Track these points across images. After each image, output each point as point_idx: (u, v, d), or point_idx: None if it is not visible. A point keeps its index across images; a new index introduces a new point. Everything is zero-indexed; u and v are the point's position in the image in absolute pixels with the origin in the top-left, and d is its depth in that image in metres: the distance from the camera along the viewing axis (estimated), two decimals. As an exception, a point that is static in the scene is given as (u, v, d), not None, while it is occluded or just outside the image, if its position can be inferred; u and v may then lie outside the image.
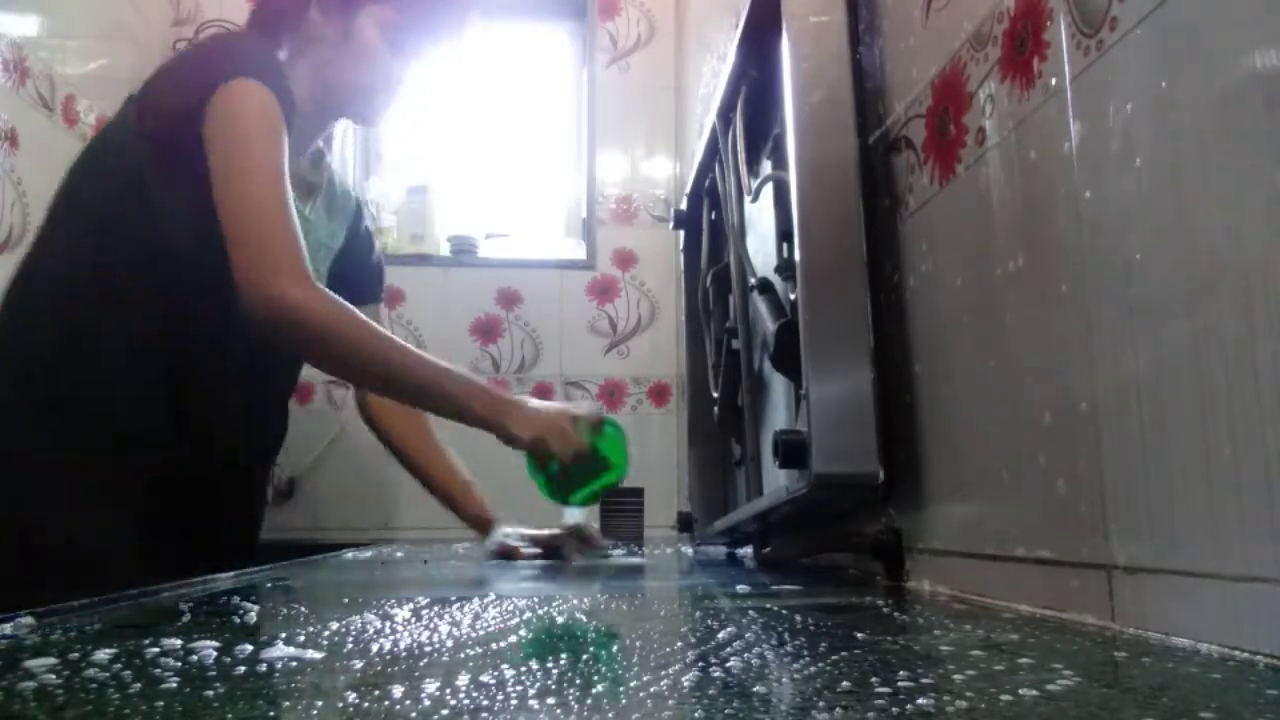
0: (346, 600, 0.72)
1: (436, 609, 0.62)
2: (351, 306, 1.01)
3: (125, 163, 1.04)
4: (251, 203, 0.97)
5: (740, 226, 1.28)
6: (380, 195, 2.51)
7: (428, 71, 1.23)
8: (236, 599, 0.68)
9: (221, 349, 1.07)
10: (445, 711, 0.32)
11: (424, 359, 1.04)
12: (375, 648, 0.46)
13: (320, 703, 0.34)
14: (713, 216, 1.58)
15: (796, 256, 0.84)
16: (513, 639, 0.50)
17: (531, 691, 0.35)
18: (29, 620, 0.53)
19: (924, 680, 0.37)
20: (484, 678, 0.38)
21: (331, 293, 1.00)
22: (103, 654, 0.42)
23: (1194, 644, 0.46)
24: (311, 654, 0.43)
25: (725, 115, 1.29)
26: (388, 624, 0.54)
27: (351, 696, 0.35)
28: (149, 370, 1.03)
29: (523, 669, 0.40)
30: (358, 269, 1.33)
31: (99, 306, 1.02)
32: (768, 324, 1.01)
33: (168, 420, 1.04)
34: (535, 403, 1.11)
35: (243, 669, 0.40)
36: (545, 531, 1.27)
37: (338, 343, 0.99)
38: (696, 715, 0.33)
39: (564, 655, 0.43)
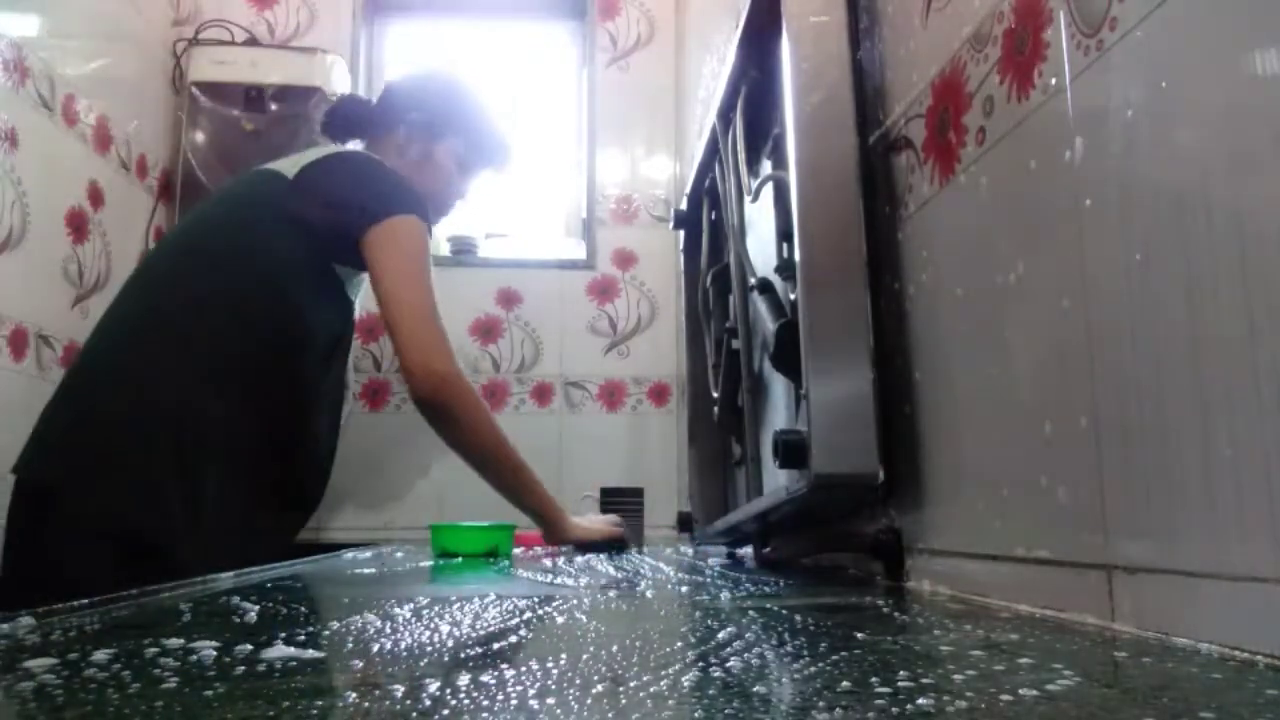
0: (346, 600, 0.72)
1: (436, 609, 0.62)
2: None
3: (279, 244, 1.32)
4: (423, 308, 1.32)
5: (740, 226, 1.28)
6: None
7: (479, 185, 1.67)
8: (236, 599, 0.68)
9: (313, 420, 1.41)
10: (445, 711, 0.32)
11: (520, 459, 1.40)
12: (375, 648, 0.46)
13: (320, 703, 0.34)
14: (713, 216, 1.58)
15: (796, 256, 0.84)
16: (513, 639, 0.50)
17: (531, 691, 0.35)
18: (29, 620, 0.53)
19: (924, 680, 0.37)
20: (484, 678, 0.38)
21: (472, 385, 1.36)
22: (103, 654, 0.42)
23: (1194, 644, 0.46)
24: (311, 654, 0.43)
25: (725, 115, 1.29)
26: (388, 624, 0.54)
27: (351, 696, 0.35)
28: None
29: (523, 669, 0.40)
30: None
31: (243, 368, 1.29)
32: (768, 324, 1.01)
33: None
34: (579, 520, 1.48)
35: (243, 669, 0.40)
36: (602, 522, 1.53)
37: (474, 420, 1.34)
38: (696, 715, 0.33)
39: (564, 655, 0.43)
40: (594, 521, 1.50)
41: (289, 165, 1.38)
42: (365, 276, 1.40)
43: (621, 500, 1.88)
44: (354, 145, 1.53)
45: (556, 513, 1.43)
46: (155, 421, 1.20)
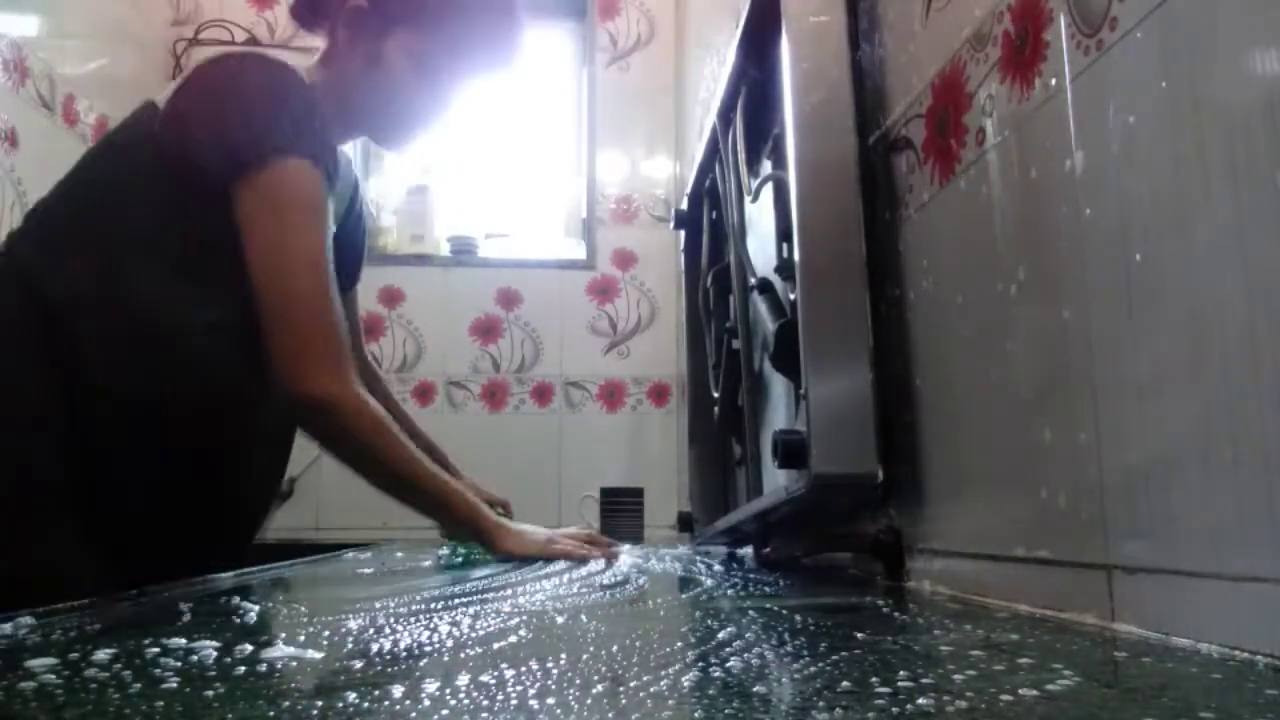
0: (346, 600, 0.72)
1: (436, 609, 0.62)
2: (381, 410, 1.03)
3: (143, 188, 0.99)
4: (296, 296, 0.97)
5: (740, 226, 1.28)
6: (380, 195, 2.51)
7: (471, 102, 1.18)
8: (236, 599, 0.68)
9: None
10: (445, 711, 0.32)
11: (433, 473, 1.08)
12: (375, 648, 0.46)
13: (320, 703, 0.34)
14: (713, 216, 1.58)
15: (796, 257, 0.84)
16: (513, 639, 0.50)
17: (531, 691, 0.35)
18: (29, 620, 0.53)
19: (924, 680, 0.37)
20: (484, 678, 0.38)
21: (366, 394, 1.02)
22: (103, 654, 0.42)
23: (1194, 644, 0.46)
24: (311, 654, 0.43)
25: (725, 115, 1.29)
26: (388, 624, 0.54)
27: (351, 696, 0.35)
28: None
29: (523, 669, 0.40)
30: (346, 250, 1.22)
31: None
32: (768, 324, 1.01)
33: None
34: (524, 529, 1.15)
35: (243, 669, 0.40)
36: (571, 530, 1.26)
37: (363, 446, 1.02)
38: (696, 715, 0.33)
39: (564, 655, 0.43)
40: (536, 534, 1.15)
41: (171, 86, 1.04)
42: None
43: (621, 500, 1.88)
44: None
45: (491, 523, 1.12)
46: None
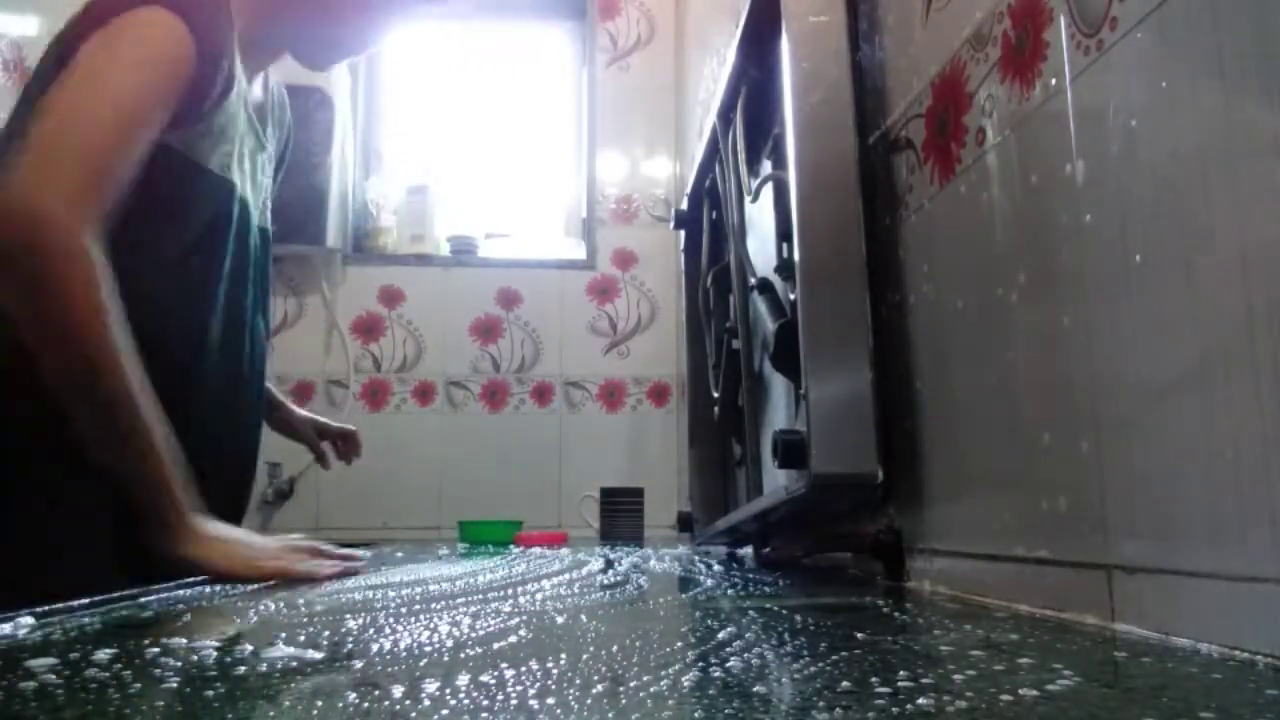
0: (347, 600, 0.72)
1: (436, 609, 0.62)
2: (110, 278, 0.79)
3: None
4: (82, 124, 0.80)
5: (740, 226, 1.28)
6: (380, 195, 2.51)
7: (404, 32, 1.11)
8: (236, 599, 0.68)
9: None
10: (445, 711, 0.32)
11: (143, 393, 0.79)
12: (375, 648, 0.46)
13: (320, 703, 0.34)
14: (713, 216, 1.58)
15: (796, 256, 0.84)
16: (513, 639, 0.50)
17: (531, 691, 0.35)
18: (29, 620, 0.53)
19: (924, 680, 0.37)
20: (484, 678, 0.38)
21: (100, 251, 0.79)
22: (103, 654, 0.42)
23: (1194, 644, 0.46)
24: (311, 654, 0.43)
25: (725, 115, 1.29)
26: (388, 624, 0.54)
27: (351, 696, 0.35)
28: None
29: (523, 669, 0.40)
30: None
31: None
32: (768, 324, 1.01)
33: None
34: (217, 529, 0.85)
35: (243, 669, 0.40)
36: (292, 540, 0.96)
37: (57, 305, 0.76)
38: (696, 715, 0.33)
39: (564, 655, 0.43)
40: (245, 545, 0.85)
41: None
42: (229, 152, 0.96)
43: (621, 500, 1.88)
44: None
45: (183, 515, 0.80)
46: None
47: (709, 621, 0.58)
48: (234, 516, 1.00)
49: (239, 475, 1.08)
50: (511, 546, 1.65)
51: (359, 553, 1.05)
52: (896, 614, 0.63)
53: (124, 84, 0.83)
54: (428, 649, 0.46)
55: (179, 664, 0.40)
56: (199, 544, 0.80)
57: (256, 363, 1.07)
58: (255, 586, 0.78)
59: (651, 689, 0.36)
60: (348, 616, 0.58)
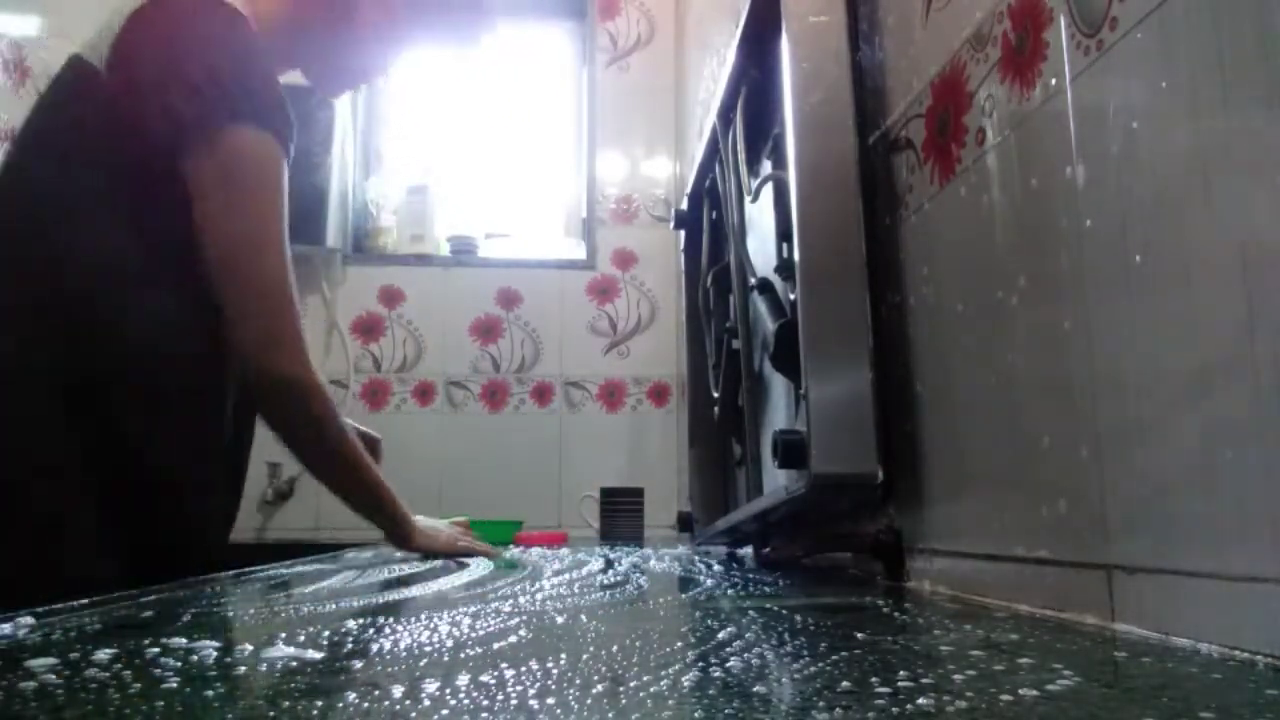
0: (347, 600, 0.72)
1: (436, 609, 0.62)
2: (332, 397, 1.03)
3: (92, 149, 0.91)
4: (263, 279, 0.94)
5: (740, 226, 1.28)
6: (380, 195, 2.51)
7: (408, 67, 1.17)
8: (236, 599, 0.68)
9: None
10: (445, 711, 0.32)
11: (371, 465, 1.10)
12: (375, 648, 0.46)
13: (320, 702, 0.34)
14: (713, 216, 1.58)
15: (796, 256, 0.84)
16: (513, 639, 0.50)
17: (531, 691, 0.35)
18: (29, 620, 0.53)
19: (924, 680, 0.37)
20: (484, 678, 0.38)
21: (323, 379, 1.01)
22: (103, 654, 0.42)
23: (1194, 644, 0.46)
24: (311, 654, 0.43)
25: (725, 115, 1.29)
26: (388, 624, 0.54)
27: (351, 696, 0.35)
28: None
29: (523, 669, 0.40)
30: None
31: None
32: (768, 324, 1.01)
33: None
34: (429, 527, 1.24)
35: (243, 669, 0.40)
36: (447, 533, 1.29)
37: (318, 430, 1.01)
38: (696, 715, 0.33)
39: (564, 655, 0.43)
40: (439, 529, 1.26)
41: (103, 37, 0.95)
42: None
43: (621, 500, 1.88)
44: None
45: (408, 525, 1.17)
46: None
47: (709, 621, 0.58)
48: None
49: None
50: (511, 546, 1.65)
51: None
52: (896, 614, 0.63)
53: (276, 231, 0.95)
54: (428, 649, 0.46)
55: (179, 664, 0.40)
56: (422, 538, 1.18)
57: None
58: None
59: (651, 689, 0.36)
60: (348, 617, 0.58)
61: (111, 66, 0.92)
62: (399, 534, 1.16)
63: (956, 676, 0.38)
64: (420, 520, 1.20)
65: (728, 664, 0.41)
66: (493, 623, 0.56)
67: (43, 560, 0.86)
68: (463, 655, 0.44)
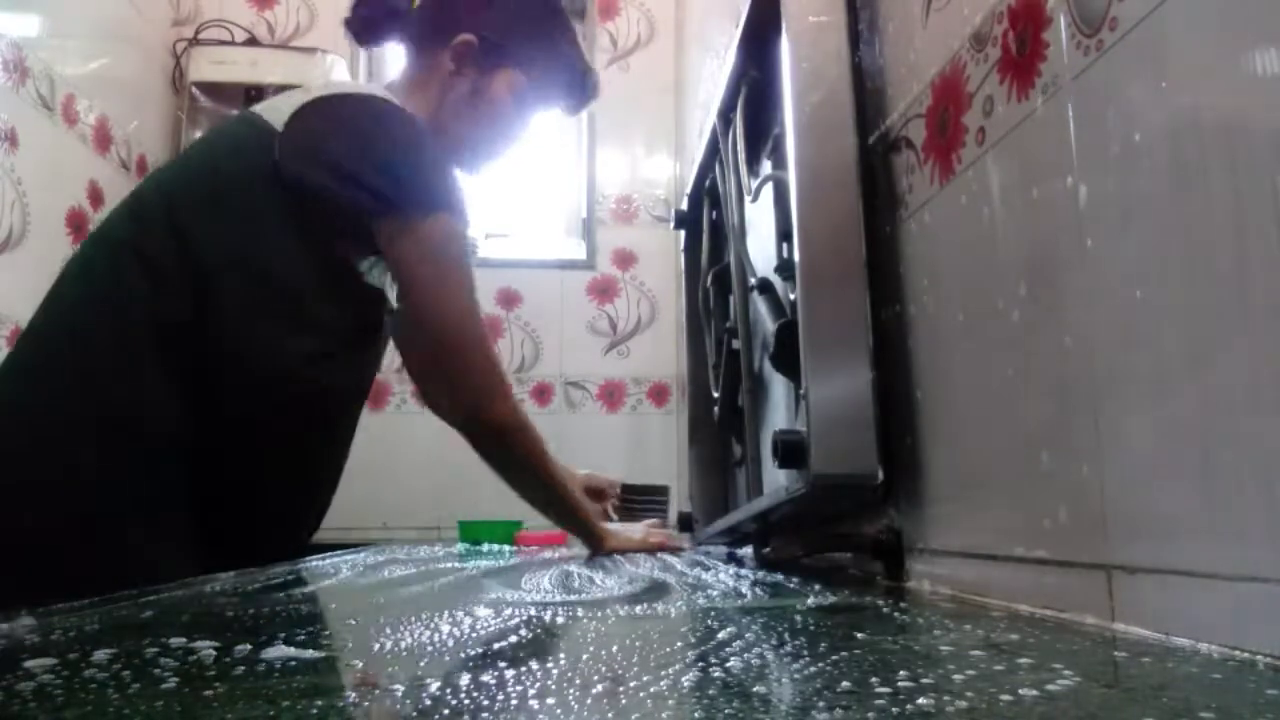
0: (347, 600, 0.72)
1: (437, 609, 0.62)
2: (537, 430, 1.21)
3: (261, 217, 1.02)
4: (476, 339, 1.12)
5: (740, 226, 1.28)
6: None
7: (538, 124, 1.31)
8: (237, 599, 0.68)
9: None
10: (445, 711, 0.32)
11: (566, 484, 1.27)
12: (375, 648, 0.46)
13: (320, 703, 0.34)
14: (713, 216, 1.58)
15: (796, 257, 0.84)
16: (513, 639, 0.50)
17: (531, 691, 0.35)
18: (29, 620, 0.53)
19: (924, 680, 0.37)
20: (484, 678, 0.38)
21: (527, 416, 1.20)
22: (103, 654, 0.42)
23: (1194, 644, 0.46)
24: (311, 654, 0.43)
25: (725, 115, 1.29)
26: (388, 624, 0.54)
27: (351, 696, 0.35)
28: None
29: (523, 669, 0.40)
30: None
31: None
32: (768, 324, 1.01)
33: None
34: (621, 530, 1.41)
35: (243, 669, 0.40)
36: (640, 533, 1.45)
37: (528, 463, 1.20)
38: (696, 715, 0.33)
39: (564, 655, 0.43)
40: (633, 533, 1.41)
41: (277, 109, 1.05)
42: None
43: (644, 500, 1.83)
44: (372, 79, 1.25)
45: (600, 528, 1.33)
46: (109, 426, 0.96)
47: (709, 621, 0.58)
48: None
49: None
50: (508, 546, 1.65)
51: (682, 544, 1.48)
52: (896, 614, 0.63)
53: (474, 301, 1.13)
54: (428, 649, 0.46)
55: (179, 664, 0.40)
56: (612, 539, 1.33)
57: None
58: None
59: (651, 689, 0.36)
60: (348, 617, 0.58)
61: (299, 137, 1.02)
62: (593, 539, 1.32)
63: (956, 676, 0.38)
64: (613, 526, 1.41)
65: (728, 664, 0.41)
66: (493, 623, 0.56)
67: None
68: (463, 655, 0.44)
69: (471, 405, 1.13)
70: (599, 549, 1.30)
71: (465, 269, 1.11)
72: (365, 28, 1.23)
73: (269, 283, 1.02)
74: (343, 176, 1.01)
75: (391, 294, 1.15)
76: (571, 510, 1.29)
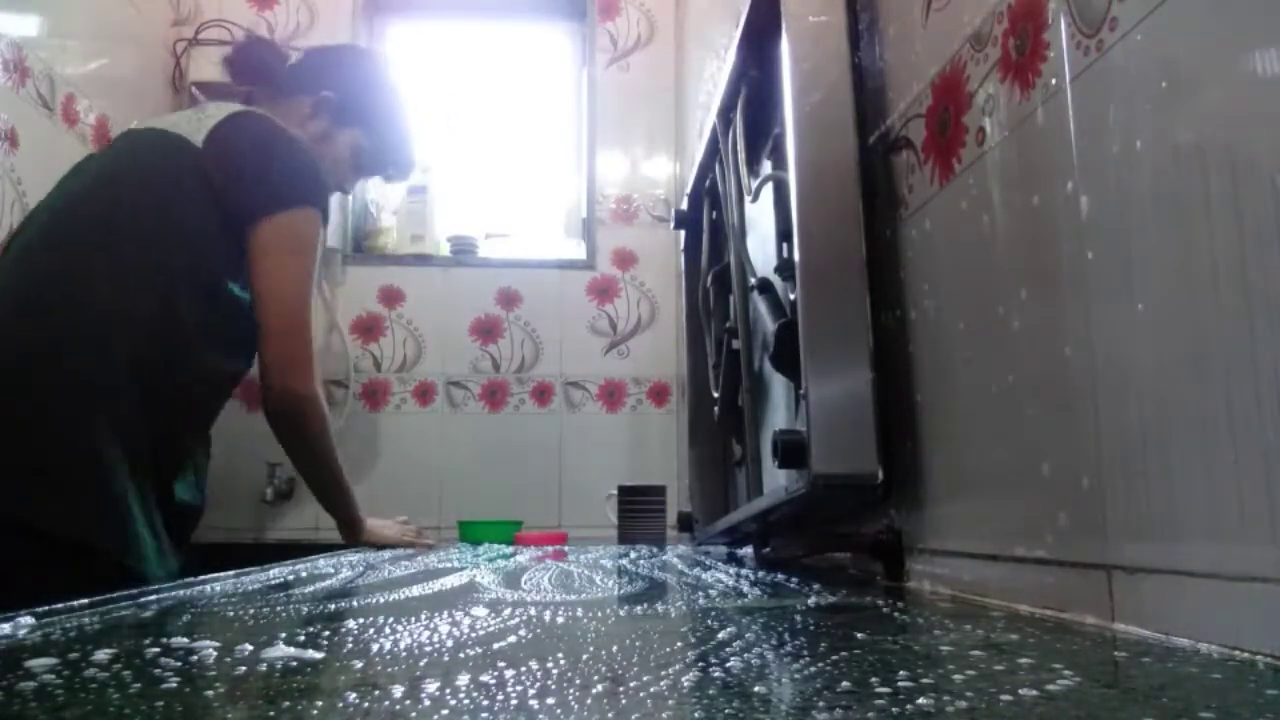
0: (347, 600, 0.72)
1: (436, 609, 0.62)
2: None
3: (191, 209, 1.21)
4: (298, 321, 1.26)
5: (740, 226, 1.28)
6: (380, 195, 2.51)
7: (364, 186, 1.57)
8: (236, 599, 0.68)
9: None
10: (445, 711, 0.32)
11: (343, 470, 1.41)
12: (375, 648, 0.46)
13: (320, 703, 0.34)
14: (713, 216, 1.58)
15: (796, 257, 0.84)
16: (513, 639, 0.50)
17: (531, 691, 0.35)
18: (29, 620, 0.53)
19: (924, 680, 0.37)
20: (484, 678, 0.38)
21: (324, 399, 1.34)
22: (103, 654, 0.42)
23: (1194, 644, 0.46)
24: (311, 654, 0.43)
25: (725, 115, 1.29)
26: (388, 624, 0.54)
27: (351, 696, 0.35)
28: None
29: (523, 669, 0.40)
30: None
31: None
32: (768, 324, 1.01)
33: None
34: (374, 523, 1.55)
35: (243, 669, 0.40)
36: (395, 525, 1.63)
37: (316, 442, 1.34)
38: (696, 715, 0.33)
39: (564, 655, 0.43)
40: (387, 525, 1.59)
41: (191, 127, 1.25)
42: None
43: (641, 499, 1.83)
44: (248, 104, 1.37)
45: (359, 518, 1.49)
46: (71, 403, 1.07)
47: (709, 621, 0.58)
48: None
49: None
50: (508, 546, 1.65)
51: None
52: (896, 614, 0.63)
53: (311, 279, 1.29)
54: (428, 649, 0.46)
55: (179, 664, 0.40)
56: (369, 532, 1.51)
57: None
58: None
59: (651, 689, 0.36)
60: (348, 617, 0.58)
61: (212, 144, 1.24)
62: (354, 529, 1.48)
63: (956, 676, 0.38)
64: (371, 521, 1.53)
65: (728, 664, 0.41)
66: (493, 623, 0.56)
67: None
68: (463, 655, 0.44)
69: (275, 381, 1.25)
70: (354, 538, 1.48)
71: (314, 259, 1.28)
72: (243, 73, 1.46)
73: (214, 276, 1.22)
74: (245, 178, 1.23)
75: None
76: (345, 498, 1.44)
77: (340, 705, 0.34)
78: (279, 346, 1.25)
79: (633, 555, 1.32)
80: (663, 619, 0.64)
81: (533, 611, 0.62)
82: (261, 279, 1.24)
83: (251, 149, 1.26)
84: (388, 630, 0.52)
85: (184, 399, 1.19)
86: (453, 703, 0.33)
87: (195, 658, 0.42)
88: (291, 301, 1.25)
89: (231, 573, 0.92)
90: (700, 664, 0.41)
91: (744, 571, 1.00)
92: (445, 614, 0.59)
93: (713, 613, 0.62)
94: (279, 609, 0.63)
